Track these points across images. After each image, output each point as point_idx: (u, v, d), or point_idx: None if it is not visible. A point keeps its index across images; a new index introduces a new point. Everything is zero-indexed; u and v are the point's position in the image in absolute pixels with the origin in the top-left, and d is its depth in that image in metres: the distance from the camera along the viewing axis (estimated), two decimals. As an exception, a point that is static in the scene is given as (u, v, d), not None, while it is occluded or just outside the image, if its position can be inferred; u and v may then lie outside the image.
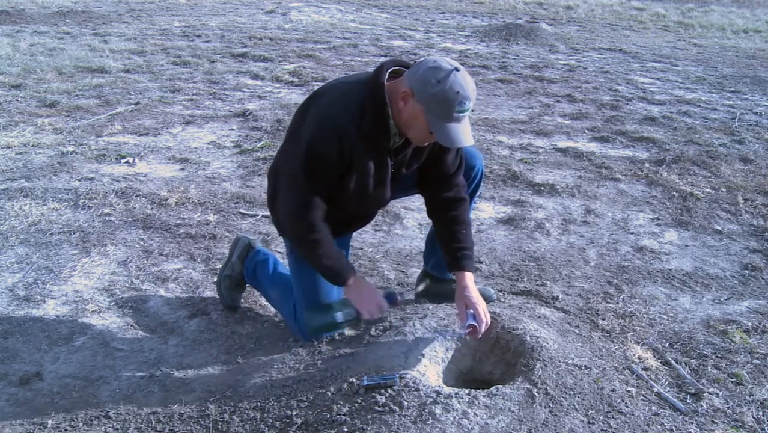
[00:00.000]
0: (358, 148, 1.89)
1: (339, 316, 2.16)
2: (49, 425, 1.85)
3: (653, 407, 1.96)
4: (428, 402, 1.79)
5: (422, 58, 1.87)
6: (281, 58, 7.31)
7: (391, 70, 1.92)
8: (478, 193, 2.37)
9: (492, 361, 2.17)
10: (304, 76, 6.43)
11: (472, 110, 1.85)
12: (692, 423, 1.93)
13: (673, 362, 2.23)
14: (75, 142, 4.20)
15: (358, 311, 2.08)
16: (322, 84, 2.08)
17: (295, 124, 2.01)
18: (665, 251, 3.13)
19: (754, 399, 2.07)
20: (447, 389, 1.87)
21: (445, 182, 2.14)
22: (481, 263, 2.90)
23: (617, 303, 2.62)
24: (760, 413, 2.00)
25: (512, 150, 4.50)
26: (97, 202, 3.31)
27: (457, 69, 1.79)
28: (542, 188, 3.81)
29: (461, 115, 1.81)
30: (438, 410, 1.76)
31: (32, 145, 4.07)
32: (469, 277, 2.09)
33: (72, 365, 2.13)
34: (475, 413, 1.76)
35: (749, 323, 2.52)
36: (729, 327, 2.48)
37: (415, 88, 1.80)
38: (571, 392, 1.90)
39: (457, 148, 2.11)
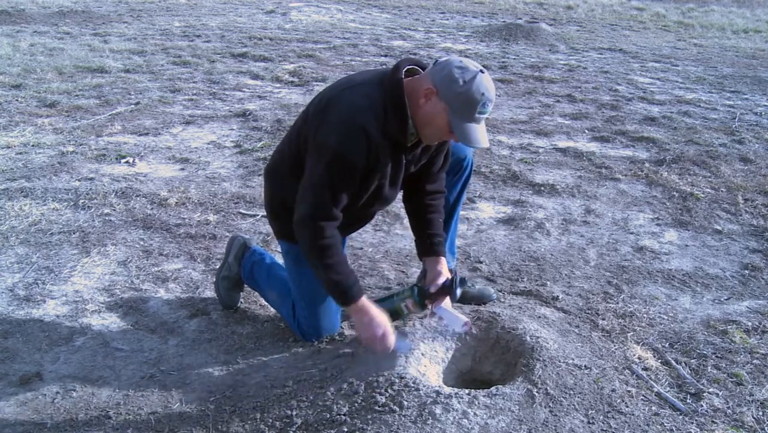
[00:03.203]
0: (382, 150, 1.88)
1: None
2: (49, 425, 1.85)
3: (653, 407, 1.96)
4: (428, 402, 1.79)
5: (445, 58, 1.86)
6: (281, 58, 7.31)
7: (406, 69, 1.92)
8: (468, 185, 2.42)
9: (492, 361, 2.17)
10: (304, 76, 6.43)
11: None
12: (692, 423, 1.93)
13: (673, 362, 2.23)
14: (75, 142, 4.20)
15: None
16: (331, 85, 2.03)
17: (312, 128, 1.91)
18: (665, 251, 3.13)
19: (754, 399, 2.07)
20: (447, 389, 1.87)
21: (431, 176, 2.17)
22: (481, 263, 2.90)
23: (617, 303, 2.62)
24: (760, 413, 2.00)
25: (512, 150, 4.50)
26: (97, 202, 3.31)
27: (482, 71, 1.81)
28: (542, 188, 3.81)
29: (482, 116, 1.84)
30: (438, 410, 1.76)
31: (32, 145, 4.07)
32: (443, 261, 2.18)
33: (72, 365, 2.13)
34: (475, 413, 1.76)
35: (749, 323, 2.52)
36: (729, 327, 2.48)
37: (440, 86, 1.81)
38: (571, 392, 1.90)
39: (447, 147, 2.15)
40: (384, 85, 1.87)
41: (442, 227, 2.23)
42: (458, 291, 2.10)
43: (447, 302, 2.11)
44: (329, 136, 1.85)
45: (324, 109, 1.91)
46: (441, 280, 2.13)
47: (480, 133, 1.86)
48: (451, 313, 2.04)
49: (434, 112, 1.84)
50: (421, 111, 1.86)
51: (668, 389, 2.09)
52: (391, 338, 1.98)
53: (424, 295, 2.12)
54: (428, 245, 2.19)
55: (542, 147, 4.59)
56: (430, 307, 2.12)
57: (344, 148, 1.84)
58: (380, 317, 1.98)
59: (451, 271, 2.24)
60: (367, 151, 1.85)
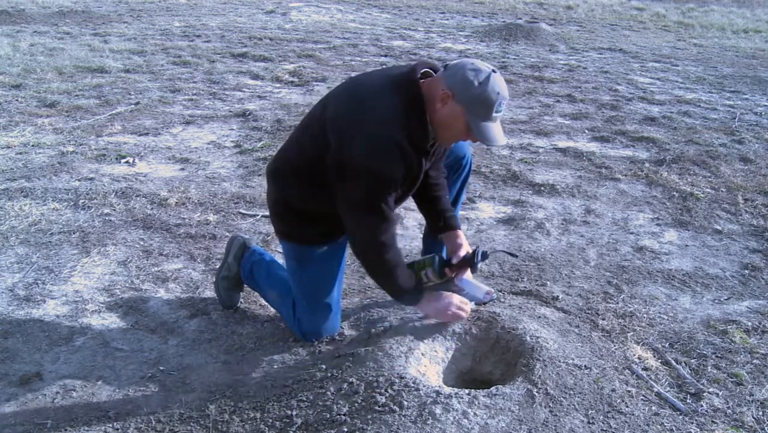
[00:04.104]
0: (412, 158, 1.90)
1: None
2: (49, 425, 1.85)
3: (653, 407, 1.96)
4: (428, 402, 1.79)
5: (456, 61, 1.89)
6: (281, 58, 7.31)
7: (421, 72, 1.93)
8: (467, 183, 2.47)
9: (492, 361, 2.17)
10: (304, 76, 6.43)
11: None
12: (692, 423, 1.93)
13: (673, 362, 2.23)
14: (75, 142, 4.20)
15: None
16: (341, 94, 2.00)
17: (337, 148, 1.88)
18: (665, 251, 3.13)
19: (754, 399, 2.07)
20: (447, 389, 1.87)
21: (434, 167, 2.20)
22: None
23: (617, 303, 2.62)
24: (760, 413, 2.00)
25: (512, 150, 4.50)
26: (97, 202, 3.31)
27: (494, 71, 1.85)
28: (542, 188, 3.81)
29: (498, 114, 1.87)
30: (438, 410, 1.76)
31: (32, 145, 4.07)
32: (461, 234, 2.26)
33: (72, 365, 2.13)
34: (475, 413, 1.76)
35: (749, 323, 2.52)
36: (729, 327, 2.48)
37: (456, 89, 1.83)
38: (571, 392, 1.90)
39: None
40: (402, 91, 1.88)
41: (449, 203, 2.28)
42: (478, 265, 2.15)
43: (468, 273, 2.14)
44: (358, 154, 1.84)
45: (346, 127, 1.88)
46: (462, 252, 2.17)
47: (497, 131, 1.90)
48: (473, 283, 2.08)
49: (452, 114, 1.86)
50: (437, 115, 1.88)
51: (668, 389, 2.09)
52: (465, 307, 2.13)
53: (445, 264, 2.17)
54: (442, 221, 2.24)
55: (542, 147, 4.59)
56: (450, 276, 2.19)
57: (381, 165, 1.85)
58: (444, 300, 2.12)
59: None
60: (401, 162, 1.87)
